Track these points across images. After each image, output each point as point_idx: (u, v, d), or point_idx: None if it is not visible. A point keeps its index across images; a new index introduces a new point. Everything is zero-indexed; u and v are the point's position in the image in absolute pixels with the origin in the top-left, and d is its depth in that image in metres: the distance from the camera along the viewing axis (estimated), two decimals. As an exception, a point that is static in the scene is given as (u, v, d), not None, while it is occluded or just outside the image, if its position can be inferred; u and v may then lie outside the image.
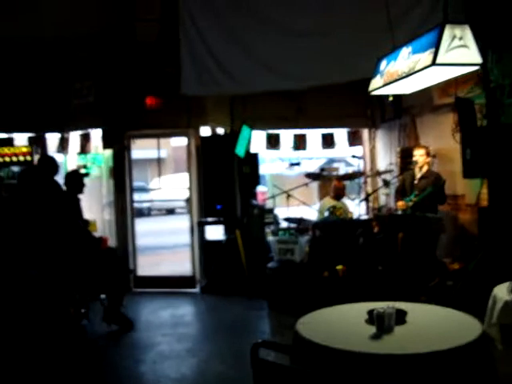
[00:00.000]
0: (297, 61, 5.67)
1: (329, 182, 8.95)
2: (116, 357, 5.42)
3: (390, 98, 4.63)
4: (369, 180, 9.53)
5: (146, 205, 26.18)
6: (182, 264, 9.36)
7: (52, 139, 9.27)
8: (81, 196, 9.30)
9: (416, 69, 3.77)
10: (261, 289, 7.32)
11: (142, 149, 15.47)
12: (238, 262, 7.97)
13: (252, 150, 9.14)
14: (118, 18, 7.66)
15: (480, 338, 2.57)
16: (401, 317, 2.84)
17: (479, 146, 5.99)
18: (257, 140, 9.55)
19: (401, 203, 6.74)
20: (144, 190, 24.94)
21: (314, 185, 10.59)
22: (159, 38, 7.63)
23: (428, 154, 6.96)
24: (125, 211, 8.83)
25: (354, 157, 7.60)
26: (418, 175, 6.97)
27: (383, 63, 4.42)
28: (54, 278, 5.42)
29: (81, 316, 5.93)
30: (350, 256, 6.58)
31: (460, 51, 3.59)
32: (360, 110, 9.74)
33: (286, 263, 6.97)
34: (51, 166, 6.71)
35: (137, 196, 27.03)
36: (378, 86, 4.46)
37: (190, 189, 9.12)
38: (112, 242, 8.75)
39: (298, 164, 10.27)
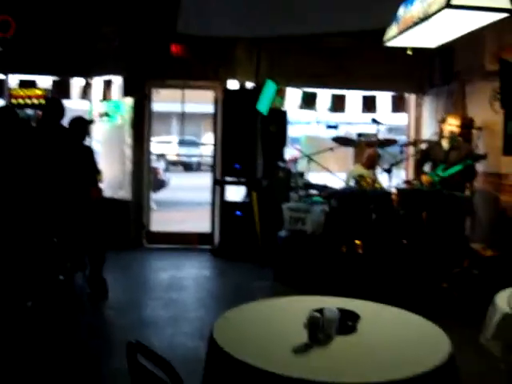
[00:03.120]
0: (313, 3, 4.97)
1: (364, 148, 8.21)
2: (92, 317, 5.08)
3: (409, 52, 3.89)
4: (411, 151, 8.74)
5: (194, 159, 25.99)
6: (201, 222, 8.93)
7: (75, 85, 8.86)
8: (101, 146, 9.03)
9: (430, 12, 3.04)
10: (272, 258, 6.79)
11: (194, 102, 15.11)
12: (253, 226, 7.45)
13: (284, 108, 8.50)
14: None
15: (445, 364, 1.93)
16: (350, 322, 2.22)
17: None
18: (290, 98, 8.87)
19: (425, 177, 6.00)
20: (193, 144, 24.69)
21: (351, 151, 9.85)
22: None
23: (464, 125, 6.14)
24: (142, 163, 8.40)
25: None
26: (446, 146, 6.19)
27: (401, 9, 3.68)
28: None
29: (66, 271, 5.53)
30: (364, 231, 5.91)
31: (483, -9, 2.83)
32: (406, 72, 8.83)
33: (297, 233, 6.37)
34: (57, 109, 6.26)
35: (186, 150, 27.09)
36: (392, 34, 3.74)
37: (215, 145, 8.61)
38: (128, 194, 8.41)
39: (335, 127, 9.55)
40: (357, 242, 6.25)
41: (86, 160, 5.88)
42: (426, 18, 3.12)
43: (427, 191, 5.65)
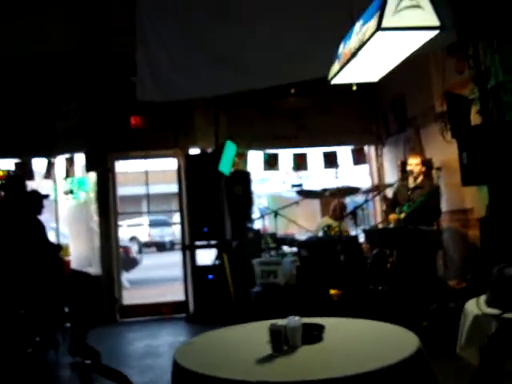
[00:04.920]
0: (260, 58, 5.14)
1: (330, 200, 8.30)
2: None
3: (354, 88, 4.02)
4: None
5: (167, 239, 25.86)
6: (175, 294, 8.78)
7: (38, 165, 8.89)
8: (67, 223, 8.95)
9: (364, 40, 3.17)
10: (247, 316, 6.65)
11: (162, 183, 15.18)
12: (226, 287, 7.34)
13: (247, 170, 8.62)
14: (93, 35, 7.30)
15: (412, 357, 1.89)
16: (316, 333, 2.17)
17: (477, 147, 5.28)
18: (254, 160, 9.02)
19: (392, 216, 6.06)
20: (165, 224, 24.62)
21: (318, 207, 9.96)
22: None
23: (424, 164, 6.28)
24: (110, 238, 8.30)
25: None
26: (411, 185, 6.30)
27: (341, 46, 3.83)
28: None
29: (35, 345, 5.35)
30: (335, 277, 5.87)
31: (411, 12, 2.96)
32: (364, 126, 9.14)
33: (270, 287, 6.30)
34: (18, 187, 6.25)
35: (158, 231, 26.90)
36: (335, 71, 3.86)
37: (181, 211, 8.61)
38: (98, 270, 8.26)
39: (299, 185, 9.66)
40: (331, 291, 6.20)
41: (36, 233, 5.84)
42: (361, 46, 3.25)
43: (392, 228, 5.69)
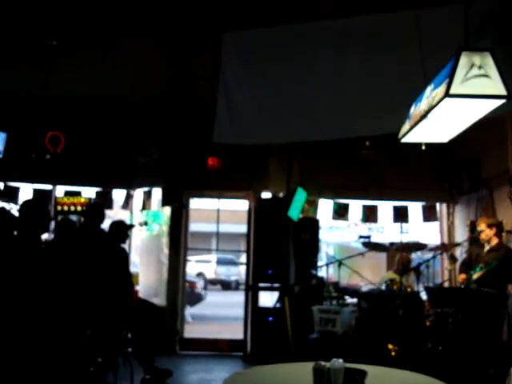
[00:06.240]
0: (334, 111, 5.34)
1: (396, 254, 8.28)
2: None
3: (423, 147, 4.16)
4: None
5: (233, 278, 26.06)
6: (235, 334, 8.92)
7: (117, 195, 9.39)
8: (138, 253, 9.35)
9: (433, 104, 3.32)
10: (303, 361, 6.71)
11: (232, 223, 15.54)
12: (285, 331, 7.43)
13: (317, 217, 8.76)
14: (179, 78, 7.76)
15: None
16: (358, 378, 2.29)
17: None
18: (323, 208, 9.15)
19: (463, 276, 6.02)
20: (232, 263, 24.89)
21: (384, 260, 9.93)
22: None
23: (494, 226, 6.22)
24: (178, 272, 8.61)
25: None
26: (487, 248, 6.24)
27: (412, 107, 4.00)
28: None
29: (96, 364, 5.63)
30: (394, 331, 5.87)
31: (479, 81, 3.11)
32: (437, 183, 9.10)
33: (327, 334, 6.35)
34: (98, 214, 6.66)
35: (224, 269, 27.17)
36: (405, 131, 4.02)
37: (248, 252, 8.82)
38: (162, 301, 8.55)
39: (367, 237, 9.68)
40: (389, 346, 6.19)
41: (119, 261, 6.19)
42: (430, 109, 3.40)
43: (454, 288, 5.67)
